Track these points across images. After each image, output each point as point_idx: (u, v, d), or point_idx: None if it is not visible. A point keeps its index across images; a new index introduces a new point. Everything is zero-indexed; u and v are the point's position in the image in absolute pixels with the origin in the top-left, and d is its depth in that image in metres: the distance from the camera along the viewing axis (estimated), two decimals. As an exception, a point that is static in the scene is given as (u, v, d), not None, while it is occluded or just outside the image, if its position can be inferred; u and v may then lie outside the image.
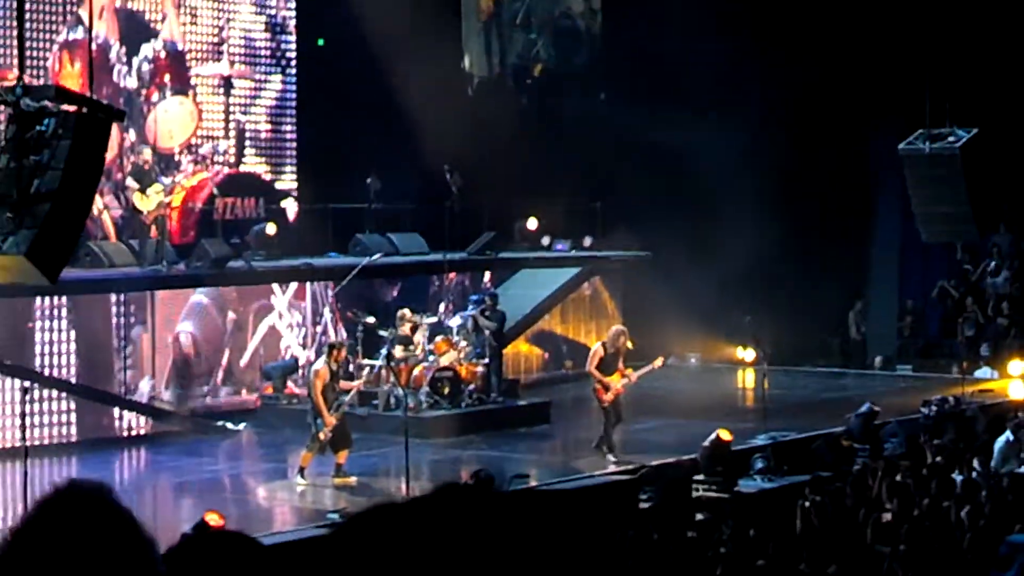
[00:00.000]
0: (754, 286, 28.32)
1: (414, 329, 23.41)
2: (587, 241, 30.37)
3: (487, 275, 28.22)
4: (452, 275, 28.31)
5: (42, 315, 22.23)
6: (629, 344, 21.69)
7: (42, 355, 21.99)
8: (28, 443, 15.26)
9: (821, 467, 19.57)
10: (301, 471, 19.46)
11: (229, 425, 23.41)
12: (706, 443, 19.11)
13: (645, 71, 30.56)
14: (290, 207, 26.42)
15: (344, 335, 24.83)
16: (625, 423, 24.28)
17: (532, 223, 29.66)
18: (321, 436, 19.37)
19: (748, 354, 28.82)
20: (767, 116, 29.78)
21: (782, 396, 25.06)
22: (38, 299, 22.02)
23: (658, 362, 21.91)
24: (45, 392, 21.58)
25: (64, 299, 22.39)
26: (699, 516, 17.48)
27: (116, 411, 22.95)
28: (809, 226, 30.09)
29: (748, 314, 26.14)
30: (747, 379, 29.09)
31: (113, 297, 23.32)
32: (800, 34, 29.47)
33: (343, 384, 19.89)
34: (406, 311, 23.93)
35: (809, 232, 30.07)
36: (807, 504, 16.17)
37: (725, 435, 19.23)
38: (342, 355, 19.92)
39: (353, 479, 19.47)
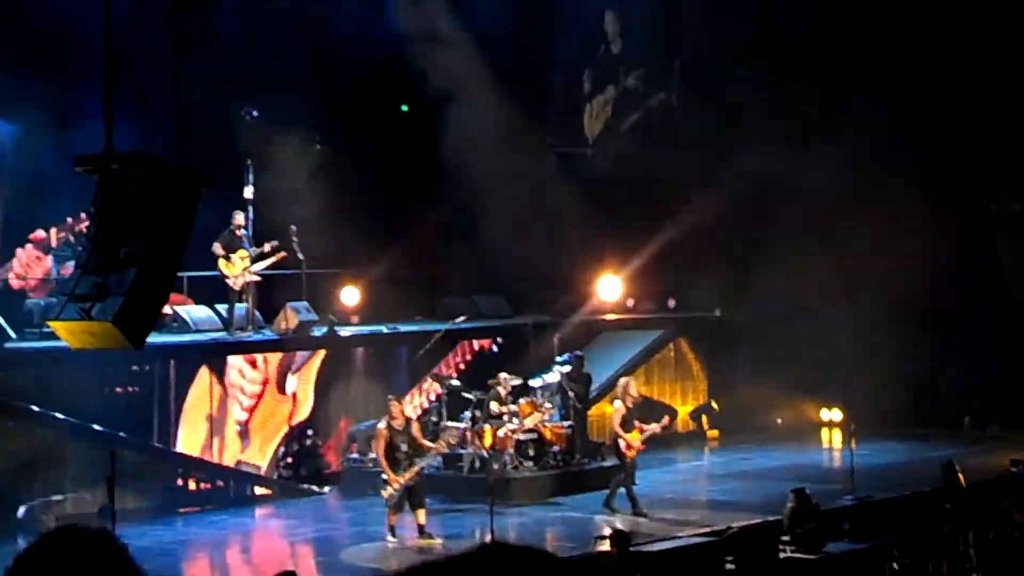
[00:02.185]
0: (842, 346, 28.11)
1: (499, 392, 23.45)
2: (671, 302, 30.42)
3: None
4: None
5: (129, 380, 22.43)
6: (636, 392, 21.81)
7: (128, 420, 22.17)
8: (116, 506, 15.37)
9: (909, 528, 19.37)
10: (391, 530, 19.53)
11: (315, 488, 23.52)
12: (790, 504, 18.97)
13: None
14: (351, 295, 26.60)
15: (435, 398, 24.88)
16: (710, 484, 24.25)
17: (608, 287, 29.55)
18: (384, 494, 19.45)
19: (835, 414, 28.66)
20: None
21: (869, 457, 24.84)
22: (126, 364, 22.26)
23: (664, 421, 22.39)
24: (133, 456, 21.76)
25: (149, 365, 22.60)
26: (784, 578, 17.35)
27: (201, 475, 23.09)
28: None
29: (834, 374, 26.02)
30: (834, 440, 28.88)
31: (197, 361, 23.51)
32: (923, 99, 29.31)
33: (424, 444, 19.85)
34: (502, 374, 24.00)
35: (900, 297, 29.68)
36: (896, 566, 16.01)
37: (807, 496, 19.09)
38: (396, 410, 19.89)
39: (438, 540, 19.47)
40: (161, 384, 22.70)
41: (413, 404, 25.26)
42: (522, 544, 2.25)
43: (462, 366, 27.04)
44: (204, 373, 23.41)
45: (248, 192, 25.91)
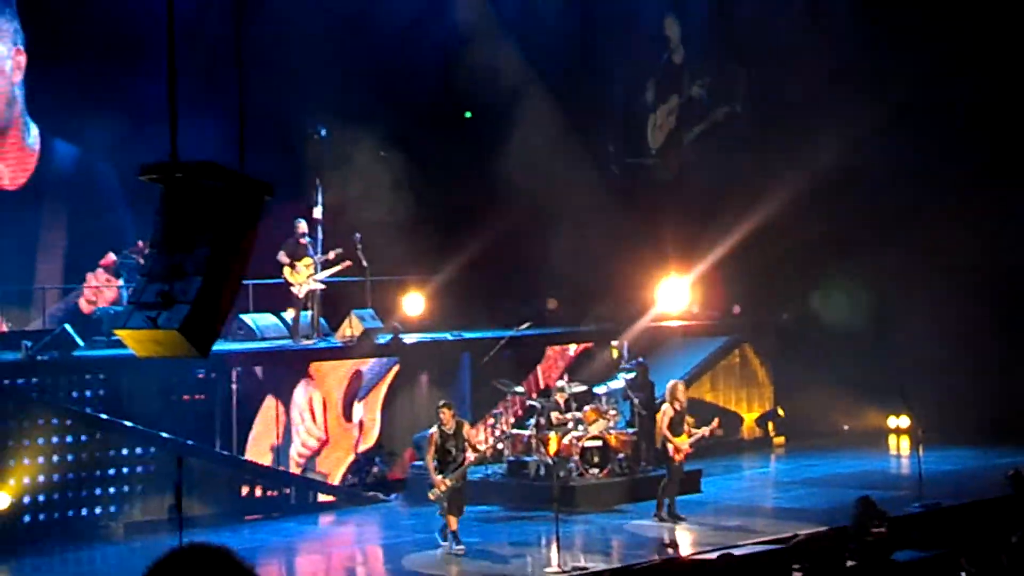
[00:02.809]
0: (910, 351, 27.93)
1: (557, 400, 23.43)
2: (736, 308, 30.35)
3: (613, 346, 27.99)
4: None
5: (196, 388, 22.56)
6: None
7: (194, 427, 22.29)
8: (183, 514, 15.46)
9: (976, 537, 19.18)
10: (453, 536, 19.53)
11: (380, 495, 23.57)
12: (857, 511, 18.82)
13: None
14: (415, 303, 26.55)
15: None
16: (776, 491, 24.17)
17: (670, 295, 29.46)
18: (432, 496, 19.49)
19: (902, 421, 28.46)
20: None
21: (937, 463, 24.67)
22: (193, 372, 22.40)
23: (714, 424, 22.21)
24: (200, 463, 21.88)
25: (216, 373, 22.71)
26: (853, 586, 17.21)
27: (267, 482, 23.17)
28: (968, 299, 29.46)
29: (902, 381, 25.83)
30: (901, 446, 28.69)
31: (262, 369, 23.60)
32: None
33: (475, 446, 19.85)
34: (562, 382, 24.03)
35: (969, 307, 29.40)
36: (963, 574, 15.86)
37: (874, 502, 18.95)
38: (447, 415, 19.89)
39: (461, 548, 19.43)
40: (226, 392, 22.79)
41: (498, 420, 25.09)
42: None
43: (559, 368, 27.02)
44: (270, 401, 23.37)
45: (318, 212, 26.01)
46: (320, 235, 25.74)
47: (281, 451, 23.44)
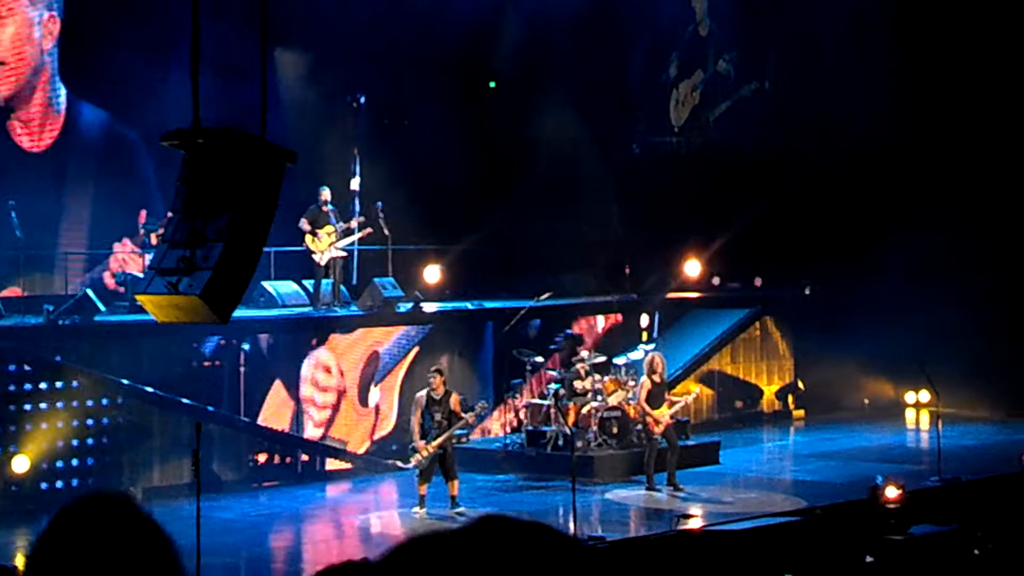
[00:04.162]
0: (931, 326, 27.85)
1: (578, 370, 23.45)
2: (758, 281, 30.33)
3: (644, 318, 27.93)
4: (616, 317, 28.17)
5: (216, 354, 22.60)
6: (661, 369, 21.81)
7: (216, 393, 22.35)
8: (201, 480, 15.48)
9: (994, 511, 19.18)
10: (421, 500, 19.72)
11: (399, 463, 23.59)
12: (875, 485, 18.84)
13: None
14: (432, 273, 26.49)
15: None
16: (795, 464, 24.19)
17: (693, 267, 29.55)
18: (413, 461, 19.72)
19: (922, 395, 28.43)
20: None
21: (956, 438, 24.66)
22: (212, 338, 22.43)
23: (689, 397, 22.80)
24: (219, 430, 21.95)
25: (236, 339, 22.75)
26: (869, 559, 17.23)
27: (286, 449, 23.22)
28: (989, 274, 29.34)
29: (922, 356, 25.81)
30: (921, 421, 28.66)
31: (281, 336, 23.58)
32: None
33: (459, 413, 19.97)
34: (583, 352, 24.07)
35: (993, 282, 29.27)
36: (978, 550, 15.87)
37: (894, 484, 18.96)
38: (438, 382, 19.99)
39: (463, 509, 19.59)
40: (246, 358, 22.82)
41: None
42: (527, 519, 2.22)
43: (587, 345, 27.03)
44: (278, 386, 23.23)
45: (355, 184, 26.02)
46: (357, 206, 25.72)
47: (294, 426, 23.42)
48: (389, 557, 2.21)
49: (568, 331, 25.25)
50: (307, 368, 23.54)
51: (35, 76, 25.25)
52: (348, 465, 23.69)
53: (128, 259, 24.80)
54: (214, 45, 17.48)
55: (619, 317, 27.92)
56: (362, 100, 26.72)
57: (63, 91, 25.62)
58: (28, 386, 20.30)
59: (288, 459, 23.17)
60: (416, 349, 24.88)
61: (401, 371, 24.76)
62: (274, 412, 23.08)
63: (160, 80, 22.56)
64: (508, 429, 24.56)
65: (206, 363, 22.51)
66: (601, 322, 27.81)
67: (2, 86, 24.97)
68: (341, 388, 23.96)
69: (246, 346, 22.75)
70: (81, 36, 25.12)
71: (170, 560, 2.58)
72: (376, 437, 24.38)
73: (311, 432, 23.51)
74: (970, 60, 29.11)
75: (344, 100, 26.68)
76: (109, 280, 24.79)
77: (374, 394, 24.47)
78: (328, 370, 23.83)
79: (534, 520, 2.22)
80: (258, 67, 13.01)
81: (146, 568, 2.54)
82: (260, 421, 22.85)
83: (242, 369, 22.68)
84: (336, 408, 23.91)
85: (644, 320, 27.34)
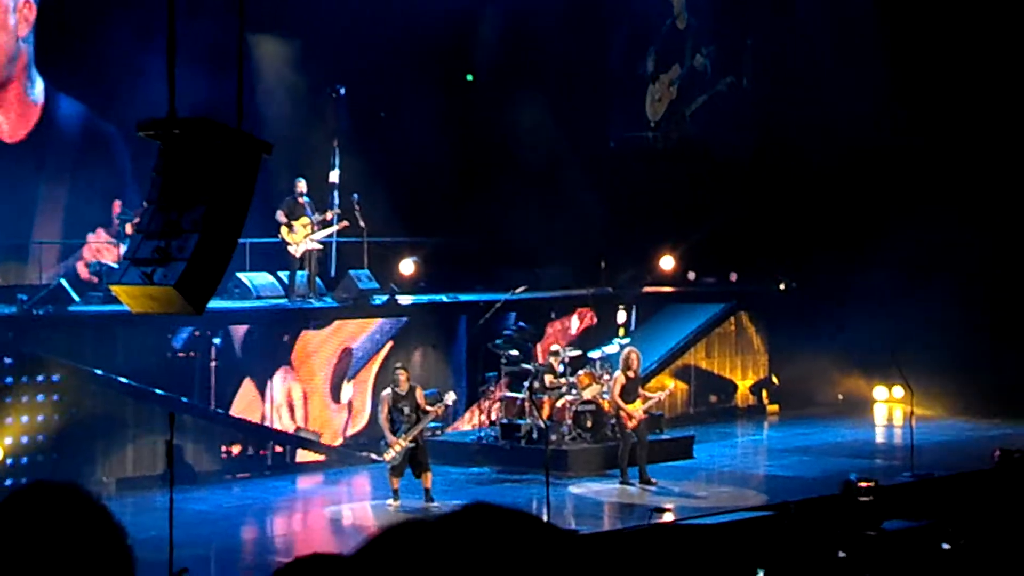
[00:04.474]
0: (906, 323, 27.92)
1: (552, 363, 23.47)
2: (733, 276, 30.39)
3: (621, 312, 27.96)
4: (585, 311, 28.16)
5: (190, 345, 22.55)
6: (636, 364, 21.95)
7: (189, 384, 22.31)
8: (174, 471, 15.47)
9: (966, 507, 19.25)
10: (395, 494, 19.77)
11: (373, 455, 23.56)
12: (847, 480, 18.89)
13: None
14: (407, 266, 26.42)
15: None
16: (769, 459, 24.26)
17: (668, 262, 29.65)
18: (386, 457, 19.78)
19: (896, 391, 28.51)
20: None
21: (929, 435, 24.74)
22: (186, 329, 22.38)
23: (663, 392, 23.15)
24: (192, 421, 21.92)
25: (210, 331, 22.70)
26: (841, 554, 17.28)
27: (260, 440, 23.19)
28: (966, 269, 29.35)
29: (896, 352, 25.87)
30: (895, 417, 28.75)
31: (255, 329, 23.53)
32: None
33: (427, 409, 20.01)
34: (556, 346, 24.11)
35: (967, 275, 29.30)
36: (947, 545, 15.92)
37: (864, 480, 19.00)
38: (403, 377, 20.10)
39: (437, 504, 19.66)
40: (219, 351, 22.76)
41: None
42: (511, 507, 2.21)
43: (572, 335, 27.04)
44: (248, 384, 23.15)
45: (334, 176, 25.93)
46: (336, 199, 25.63)
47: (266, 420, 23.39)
48: (371, 545, 2.21)
49: (521, 323, 25.12)
50: (279, 392, 23.48)
51: (10, 65, 25.05)
52: (322, 457, 23.67)
53: (103, 249, 24.72)
54: (198, 33, 17.45)
55: (593, 319, 27.90)
56: (342, 91, 26.62)
57: (40, 82, 25.47)
58: (2, 378, 20.24)
59: (262, 451, 23.16)
60: (390, 344, 24.82)
61: (375, 366, 24.65)
62: (246, 406, 23.01)
63: (139, 71, 22.39)
64: (482, 422, 24.55)
65: (180, 354, 22.46)
66: (576, 323, 27.80)
67: None
68: (310, 390, 23.92)
69: (217, 340, 22.66)
70: (58, 24, 24.93)
71: (119, 547, 2.58)
72: (349, 433, 24.27)
73: (284, 425, 23.48)
74: (951, 55, 29.16)
75: (324, 91, 26.58)
76: (83, 270, 24.69)
77: (346, 390, 24.37)
78: (299, 393, 23.75)
79: (519, 509, 2.22)
80: (245, 52, 13.03)
81: (95, 556, 2.54)
82: (232, 413, 22.81)
83: (212, 364, 22.59)
84: (306, 404, 23.86)
85: (621, 316, 27.35)
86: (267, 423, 23.21)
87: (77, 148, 25.52)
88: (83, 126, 25.70)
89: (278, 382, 23.44)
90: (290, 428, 23.56)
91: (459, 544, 2.11)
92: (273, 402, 23.33)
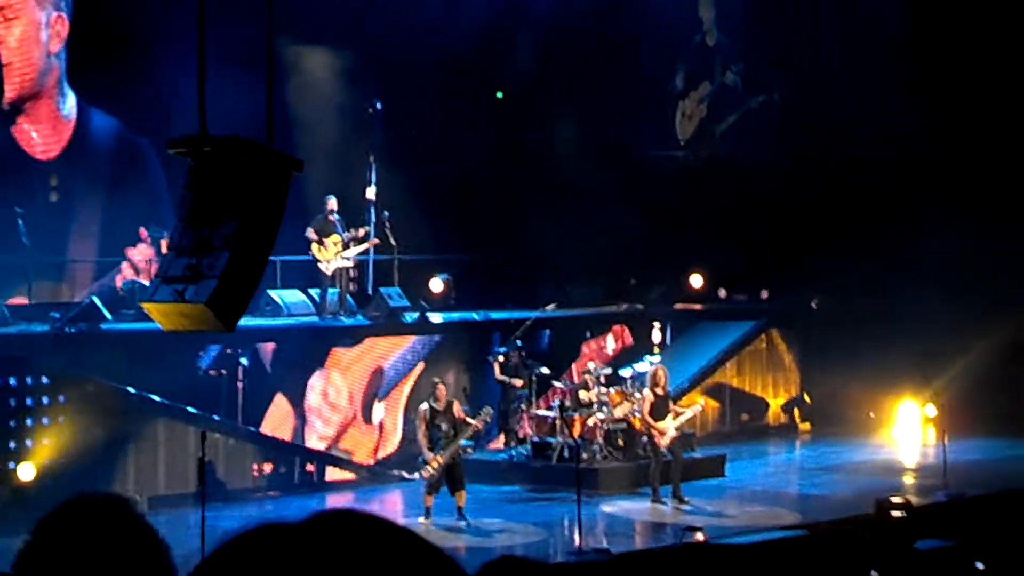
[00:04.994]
0: (939, 340, 27.80)
1: (587, 380, 23.43)
2: (764, 293, 30.31)
3: (656, 331, 27.95)
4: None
5: (218, 364, 22.56)
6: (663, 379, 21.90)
7: (220, 402, 22.32)
8: (206, 488, 15.49)
9: (999, 527, 19.13)
10: (427, 512, 19.64)
11: (404, 474, 23.55)
12: (881, 499, 18.81)
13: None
14: (437, 284, 26.36)
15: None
16: (801, 477, 24.13)
17: (697, 280, 29.64)
18: (424, 474, 19.62)
19: (929, 409, 28.36)
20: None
21: (963, 453, 24.57)
22: (215, 348, 22.40)
23: (695, 408, 22.88)
24: (224, 438, 21.93)
25: (243, 347, 22.71)
26: (873, 573, 17.19)
27: (292, 459, 23.18)
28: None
29: (929, 370, 25.80)
30: (928, 435, 28.58)
31: (271, 364, 23.37)
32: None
33: (469, 422, 19.93)
34: (591, 364, 24.08)
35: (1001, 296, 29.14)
36: (981, 565, 15.82)
37: (897, 499, 18.92)
38: (442, 392, 20.01)
39: (469, 521, 19.60)
40: (248, 370, 22.76)
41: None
42: (364, 512, 2.17)
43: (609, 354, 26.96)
44: (280, 400, 23.11)
45: (371, 193, 25.86)
46: (373, 215, 25.55)
47: (297, 439, 23.35)
48: (223, 549, 2.16)
49: (516, 341, 24.94)
50: (314, 393, 23.44)
51: (42, 79, 25.02)
52: (353, 476, 23.65)
53: (141, 266, 24.52)
54: (240, 41, 17.38)
55: (629, 339, 27.84)
56: (378, 106, 26.52)
57: (72, 97, 25.47)
58: (34, 394, 20.27)
59: (294, 469, 23.13)
60: (422, 365, 24.77)
61: (407, 386, 24.61)
62: (277, 424, 23.01)
63: (172, 83, 22.22)
64: (514, 441, 24.49)
65: (211, 372, 22.48)
66: (612, 343, 27.73)
67: (8, 88, 24.65)
68: (349, 415, 23.87)
69: (244, 360, 22.63)
70: (91, 38, 24.86)
71: (162, 561, 2.56)
72: (380, 456, 24.20)
73: (315, 445, 23.46)
74: (985, 72, 29.08)
75: (362, 105, 26.48)
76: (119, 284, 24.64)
77: (378, 410, 24.29)
78: (334, 405, 23.72)
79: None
80: (282, 64, 13.06)
81: (138, 568, 2.53)
82: (264, 430, 22.81)
83: (240, 384, 22.56)
84: (343, 429, 23.82)
85: (656, 336, 27.36)
86: (306, 433, 23.16)
87: (111, 163, 25.47)
88: (116, 141, 25.66)
89: (311, 394, 23.40)
90: (325, 440, 23.51)
91: (312, 549, 2.08)
92: (308, 412, 23.28)
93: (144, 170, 25.25)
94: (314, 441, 23.41)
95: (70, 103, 25.48)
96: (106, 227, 25.09)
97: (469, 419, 20.00)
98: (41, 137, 25.11)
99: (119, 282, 24.58)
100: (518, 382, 24.23)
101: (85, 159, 25.33)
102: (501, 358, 24.53)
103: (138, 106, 24.90)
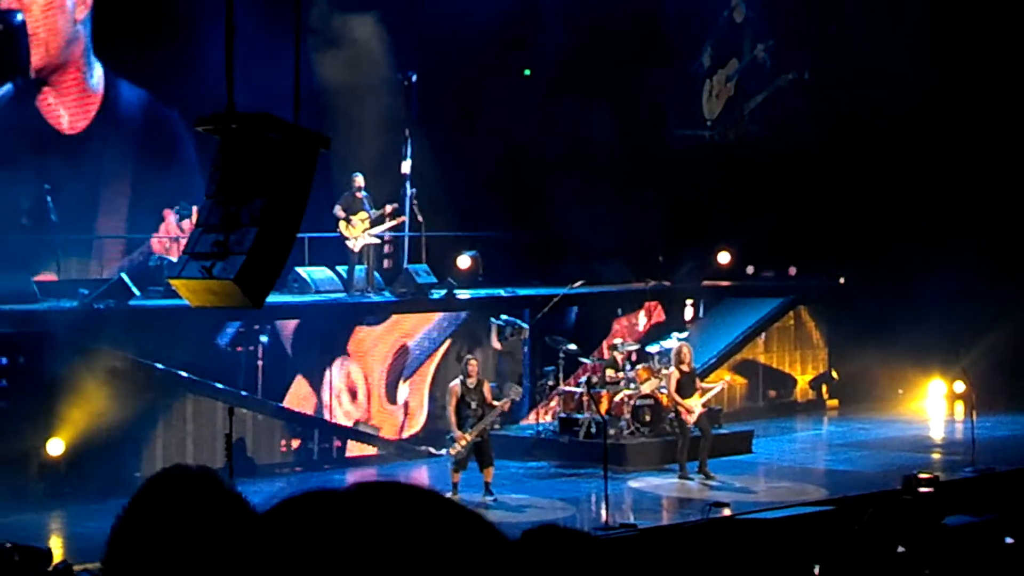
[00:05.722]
0: (968, 316, 27.74)
1: (616, 357, 23.45)
2: (792, 270, 30.25)
3: (688, 308, 28.01)
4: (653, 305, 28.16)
5: (248, 338, 22.61)
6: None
7: (246, 378, 22.38)
8: (234, 464, 15.54)
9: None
10: (454, 488, 19.65)
11: (432, 450, 23.60)
12: (909, 475, 18.79)
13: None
14: (464, 260, 26.31)
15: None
16: (829, 453, 24.11)
17: (725, 257, 29.62)
18: (452, 451, 19.65)
19: (957, 385, 28.31)
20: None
21: (991, 429, 24.55)
22: (236, 323, 22.42)
23: (722, 384, 23.04)
24: (252, 414, 22.00)
25: (269, 324, 22.74)
26: (900, 549, 17.17)
27: (321, 434, 23.23)
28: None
29: (957, 346, 25.73)
30: (956, 411, 28.53)
31: (291, 347, 23.32)
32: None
33: (494, 404, 19.93)
34: (618, 340, 24.09)
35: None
36: (1010, 540, 15.80)
37: (924, 475, 18.89)
38: (473, 369, 20.00)
39: (496, 496, 19.62)
40: (271, 346, 22.81)
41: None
42: (405, 482, 2.16)
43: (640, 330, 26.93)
44: (300, 381, 23.08)
45: (406, 167, 25.80)
46: (408, 190, 25.48)
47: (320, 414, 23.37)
48: (271, 514, 2.15)
49: (515, 320, 24.87)
50: (336, 379, 23.44)
51: (68, 48, 24.71)
52: (380, 451, 23.68)
53: (170, 243, 24.43)
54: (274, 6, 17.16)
55: (661, 315, 27.85)
56: (413, 77, 26.37)
57: (99, 67, 25.15)
58: (62, 370, 20.34)
59: (322, 445, 23.16)
60: (448, 342, 24.78)
61: (432, 365, 24.59)
62: (299, 402, 23.03)
63: (202, 52, 21.89)
64: (542, 416, 24.52)
65: (238, 348, 22.53)
66: (643, 320, 27.74)
67: (34, 57, 24.32)
68: (367, 410, 23.84)
69: (264, 338, 22.64)
70: (117, 6, 24.61)
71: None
72: (405, 435, 24.19)
73: (345, 413, 23.49)
74: (1015, 50, 28.94)
75: (396, 76, 26.34)
76: (157, 247, 24.47)
77: (403, 390, 24.26)
78: (354, 391, 23.70)
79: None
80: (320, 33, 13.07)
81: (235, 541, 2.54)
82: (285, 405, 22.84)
83: (259, 362, 22.58)
84: (367, 412, 23.81)
85: (688, 312, 27.40)
86: (326, 413, 23.23)
87: (140, 136, 25.19)
88: (145, 112, 25.40)
89: (335, 372, 23.42)
90: (350, 418, 23.53)
91: (361, 517, 2.06)
92: (332, 391, 23.32)
93: (174, 143, 25.05)
94: (340, 418, 23.45)
95: (97, 74, 25.19)
96: (135, 201, 24.94)
97: (495, 401, 20.01)
98: (67, 110, 24.87)
99: (155, 246, 24.42)
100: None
101: (113, 132, 25.07)
102: (496, 330, 24.43)
103: (168, 76, 24.56)
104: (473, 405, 19.76)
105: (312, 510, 2.08)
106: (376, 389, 23.91)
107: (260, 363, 22.60)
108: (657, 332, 26.75)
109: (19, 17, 24.19)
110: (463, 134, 27.51)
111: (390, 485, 2.12)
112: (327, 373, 23.32)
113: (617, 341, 24.12)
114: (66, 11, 24.63)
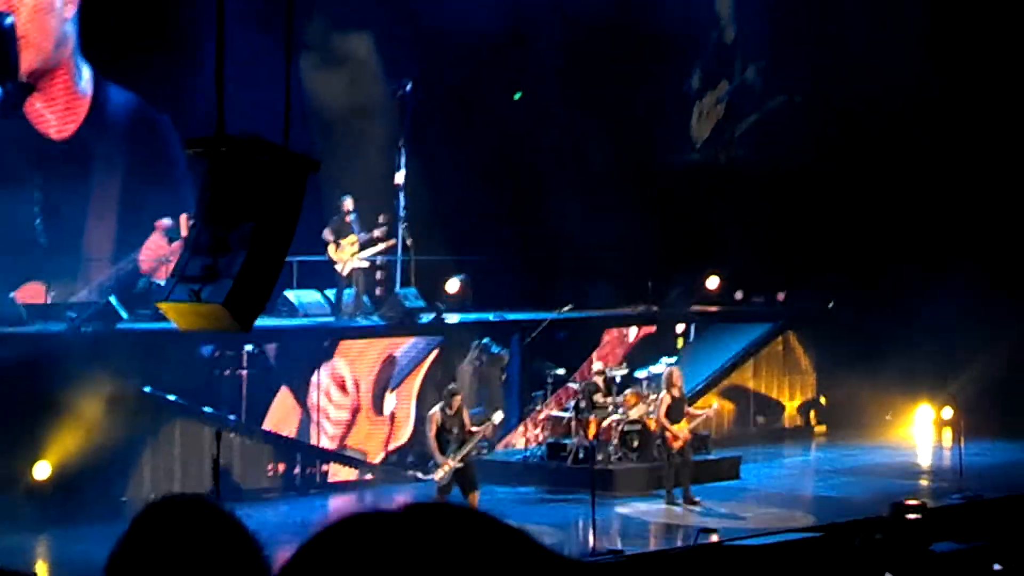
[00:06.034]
0: (956, 343, 27.77)
1: (605, 382, 23.43)
2: (781, 296, 30.27)
3: (680, 329, 28.06)
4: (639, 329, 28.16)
5: (235, 363, 22.54)
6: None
7: (234, 402, 22.32)
8: (220, 488, 15.49)
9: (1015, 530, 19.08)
10: None
11: (419, 474, 23.51)
12: (896, 502, 18.77)
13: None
14: (453, 284, 26.27)
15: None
16: (817, 479, 24.09)
17: (713, 282, 29.61)
18: (436, 477, 19.57)
19: (945, 412, 28.32)
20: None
21: (979, 455, 24.55)
22: (231, 347, 22.37)
23: (710, 410, 23.20)
24: (237, 439, 21.92)
25: (255, 347, 22.66)
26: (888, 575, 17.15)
27: (307, 459, 23.15)
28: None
29: (945, 373, 25.74)
30: (944, 437, 28.53)
31: (275, 357, 23.25)
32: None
33: (473, 429, 19.87)
34: (598, 364, 24.07)
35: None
36: (999, 567, 15.78)
37: (912, 501, 18.87)
38: (457, 400, 19.94)
39: None
40: (265, 368, 22.76)
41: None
42: (456, 505, 2.15)
43: (617, 356, 26.89)
44: (285, 393, 23.05)
45: (400, 177, 25.65)
46: (402, 201, 25.34)
47: (303, 435, 23.28)
48: (319, 538, 2.14)
49: (486, 340, 24.82)
50: (322, 378, 23.39)
51: (57, 51, 24.19)
52: (368, 476, 23.60)
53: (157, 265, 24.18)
54: (267, 18, 17.07)
55: (652, 327, 27.88)
56: (407, 87, 26.21)
57: (87, 69, 24.65)
58: (50, 393, 20.26)
59: (308, 469, 23.08)
60: (436, 352, 24.75)
61: (419, 376, 24.54)
62: (281, 419, 22.92)
63: (192, 55, 21.35)
64: (529, 440, 24.50)
65: (226, 372, 22.46)
66: (634, 331, 27.73)
67: (24, 59, 23.74)
68: (356, 404, 23.80)
69: (248, 346, 22.56)
70: (105, 7, 24.15)
71: (257, 559, 2.56)
72: (391, 447, 24.13)
73: (325, 443, 23.42)
74: (1011, 73, 28.98)
75: (390, 87, 26.24)
76: (145, 263, 24.10)
77: (389, 401, 24.20)
78: (343, 385, 23.66)
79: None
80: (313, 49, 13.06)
81: (234, 568, 2.52)
82: (267, 424, 22.74)
83: (243, 372, 22.45)
84: (352, 422, 23.75)
85: (680, 326, 27.44)
86: (312, 426, 23.12)
87: (129, 141, 24.73)
88: (134, 117, 24.89)
89: (322, 373, 23.33)
90: (332, 439, 23.46)
91: (414, 540, 2.05)
92: (319, 394, 23.22)
93: (164, 148, 24.48)
94: (324, 441, 23.37)
95: (85, 77, 24.67)
96: (124, 207, 24.47)
97: (474, 427, 19.97)
98: (55, 115, 24.33)
99: (142, 260, 24.03)
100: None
101: (102, 136, 24.61)
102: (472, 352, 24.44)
103: (158, 80, 24.17)
104: (454, 431, 19.70)
105: (366, 532, 2.06)
106: (363, 399, 23.81)
107: (241, 374, 22.45)
108: (649, 345, 26.77)
109: (8, 20, 23.78)
110: (455, 155, 27.45)
111: (440, 506, 2.11)
112: (309, 389, 23.21)
113: (597, 366, 24.09)
114: (54, 10, 24.10)
